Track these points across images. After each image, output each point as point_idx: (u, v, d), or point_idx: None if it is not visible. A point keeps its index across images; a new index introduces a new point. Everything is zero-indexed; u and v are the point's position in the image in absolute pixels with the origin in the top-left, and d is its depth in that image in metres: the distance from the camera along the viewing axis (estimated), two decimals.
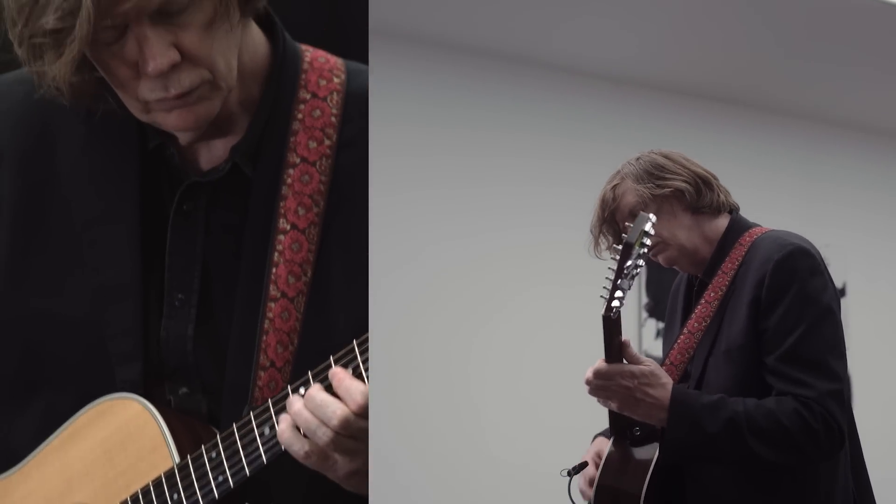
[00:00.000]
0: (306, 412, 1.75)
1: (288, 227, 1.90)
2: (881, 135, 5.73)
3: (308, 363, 1.80)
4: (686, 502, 2.19)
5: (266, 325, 1.88)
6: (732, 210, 2.33)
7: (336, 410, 1.74)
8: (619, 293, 2.02)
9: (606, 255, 2.13)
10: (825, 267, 2.18)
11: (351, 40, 2.10)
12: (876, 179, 5.76)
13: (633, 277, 2.03)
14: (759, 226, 2.31)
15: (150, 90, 1.78)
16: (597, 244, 2.30)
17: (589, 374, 2.11)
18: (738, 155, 5.21)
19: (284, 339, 1.89)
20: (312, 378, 1.78)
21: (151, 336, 1.93)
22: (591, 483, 2.26)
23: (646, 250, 2.04)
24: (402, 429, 4.37)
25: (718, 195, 2.30)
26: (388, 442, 4.15)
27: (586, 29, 4.54)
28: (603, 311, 2.05)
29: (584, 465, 2.31)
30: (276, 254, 1.89)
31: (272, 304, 1.89)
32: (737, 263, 2.23)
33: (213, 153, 1.94)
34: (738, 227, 2.29)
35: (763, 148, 5.40)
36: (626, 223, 2.11)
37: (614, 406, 2.14)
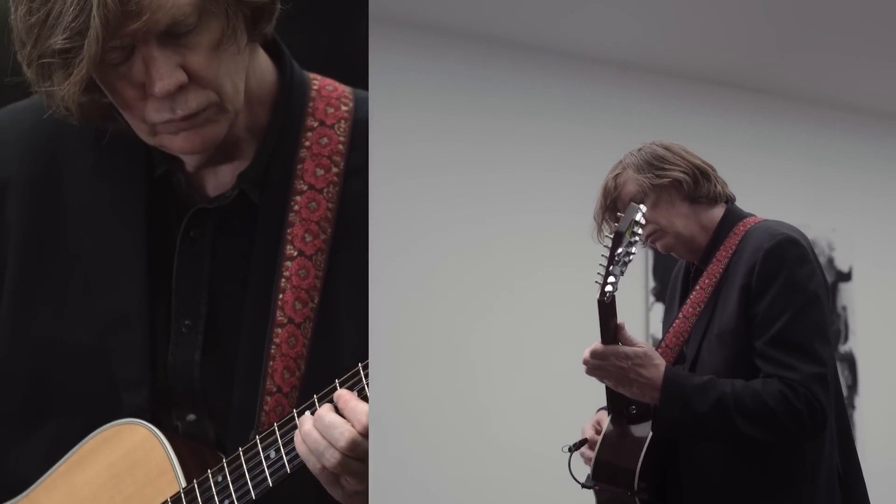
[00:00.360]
0: (315, 433, 1.76)
1: (295, 254, 1.90)
2: (888, 118, 5.72)
3: (314, 388, 1.80)
4: (680, 477, 2.28)
5: (273, 351, 1.89)
6: (728, 200, 2.42)
7: (344, 432, 1.74)
8: (611, 279, 2.11)
9: (610, 241, 2.18)
10: (814, 256, 2.27)
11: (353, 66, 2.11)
12: (883, 163, 5.76)
13: (625, 264, 2.12)
14: (753, 216, 2.40)
15: (157, 112, 1.79)
16: (600, 231, 2.39)
17: (586, 354, 2.20)
18: (744, 140, 5.21)
19: (291, 364, 1.89)
20: (318, 402, 1.78)
21: (159, 362, 1.93)
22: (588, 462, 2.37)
23: (637, 239, 2.11)
24: (405, 412, 4.36)
25: (715, 186, 2.39)
26: (390, 425, 4.16)
27: (591, 15, 4.53)
28: (598, 296, 2.13)
29: (583, 441, 2.41)
30: (283, 280, 1.90)
31: (279, 330, 1.89)
32: (730, 252, 2.32)
33: (220, 179, 1.95)
34: (733, 216, 2.39)
35: (769, 133, 5.39)
36: (620, 213, 2.18)
37: (610, 385, 2.24)
